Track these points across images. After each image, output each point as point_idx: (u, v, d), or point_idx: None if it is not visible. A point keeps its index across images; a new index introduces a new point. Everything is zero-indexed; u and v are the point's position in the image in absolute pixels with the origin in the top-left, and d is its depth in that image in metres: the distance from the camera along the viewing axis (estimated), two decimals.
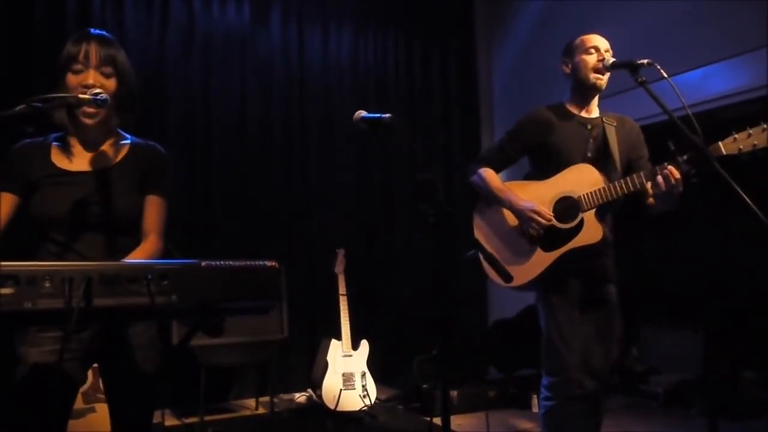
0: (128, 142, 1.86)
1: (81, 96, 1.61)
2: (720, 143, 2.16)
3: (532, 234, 2.45)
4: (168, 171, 1.88)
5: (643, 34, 4.25)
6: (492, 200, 2.59)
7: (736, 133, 2.15)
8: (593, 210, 2.41)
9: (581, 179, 2.45)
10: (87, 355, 1.72)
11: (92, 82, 1.68)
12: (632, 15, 4.41)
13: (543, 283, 2.47)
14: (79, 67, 1.69)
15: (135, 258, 1.71)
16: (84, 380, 1.82)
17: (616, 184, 2.37)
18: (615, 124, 2.56)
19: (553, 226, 2.43)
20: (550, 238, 2.44)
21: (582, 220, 2.41)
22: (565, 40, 2.63)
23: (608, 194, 2.38)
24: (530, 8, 5.48)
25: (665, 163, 2.24)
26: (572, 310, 2.46)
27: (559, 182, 2.48)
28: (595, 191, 2.40)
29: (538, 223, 2.42)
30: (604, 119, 2.56)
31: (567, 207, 2.44)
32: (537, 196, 2.48)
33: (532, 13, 5.47)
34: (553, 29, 5.04)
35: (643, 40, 4.17)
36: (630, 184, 2.34)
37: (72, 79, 1.69)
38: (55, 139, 1.81)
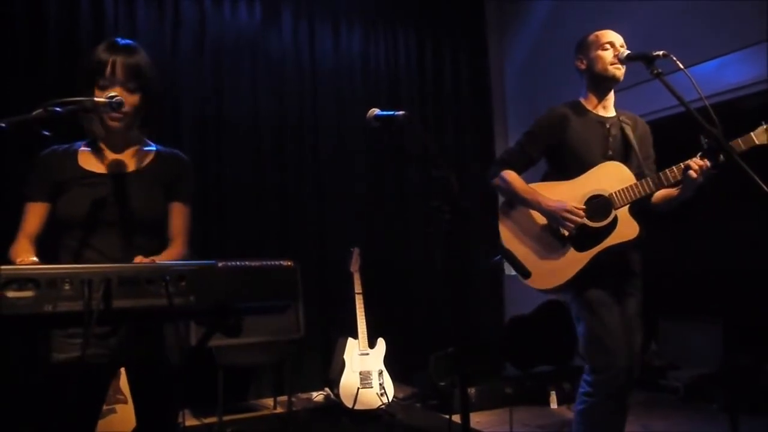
0: (153, 149, 1.91)
1: (97, 99, 1.63)
2: (751, 133, 2.22)
3: (565, 234, 2.41)
4: (192, 179, 1.93)
5: (653, 29, 4.21)
6: (518, 203, 2.54)
7: (766, 123, 2.21)
8: (626, 207, 2.39)
9: (610, 177, 2.42)
10: (114, 360, 1.73)
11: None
12: (642, 10, 4.38)
13: (579, 281, 2.41)
14: (105, 82, 1.72)
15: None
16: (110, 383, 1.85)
17: (650, 180, 2.36)
18: (630, 123, 2.55)
19: (585, 225, 2.38)
20: (582, 237, 2.40)
21: (615, 218, 2.39)
22: (575, 38, 2.61)
23: (642, 191, 2.36)
24: (541, 6, 5.45)
25: (699, 155, 2.25)
26: (611, 305, 2.42)
27: (587, 181, 2.45)
28: (627, 188, 2.38)
29: (573, 221, 2.37)
30: (620, 118, 2.55)
31: (598, 205, 2.40)
32: (566, 197, 2.43)
33: (542, 11, 5.44)
34: (563, 27, 5.01)
35: (654, 34, 4.13)
36: (664, 180, 2.33)
37: (98, 94, 1.72)
38: (84, 145, 1.86)
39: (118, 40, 1.78)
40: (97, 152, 1.84)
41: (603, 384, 2.41)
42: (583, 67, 2.54)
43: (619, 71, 2.46)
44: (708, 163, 2.23)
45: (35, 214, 1.78)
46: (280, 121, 4.95)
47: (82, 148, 1.85)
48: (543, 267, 2.43)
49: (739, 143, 2.23)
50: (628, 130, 2.51)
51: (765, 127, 2.23)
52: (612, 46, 2.47)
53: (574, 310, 2.51)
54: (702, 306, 4.44)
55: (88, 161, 1.82)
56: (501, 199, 2.70)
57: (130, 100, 1.74)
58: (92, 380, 1.68)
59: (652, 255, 2.66)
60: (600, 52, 2.47)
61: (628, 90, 2.93)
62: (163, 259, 1.76)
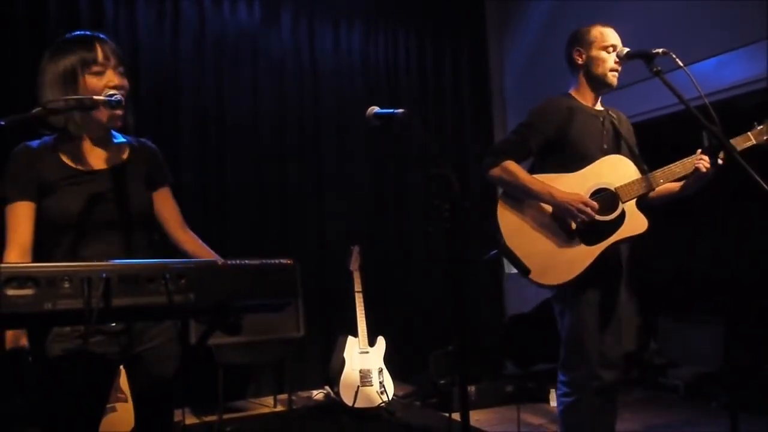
0: (125, 141, 1.83)
1: (96, 98, 1.60)
2: (749, 133, 2.26)
3: (577, 226, 2.35)
4: (166, 164, 1.90)
5: (653, 26, 4.21)
6: (523, 194, 2.43)
7: (759, 125, 2.28)
8: (633, 201, 2.39)
9: (612, 171, 2.42)
10: (122, 356, 1.72)
11: (118, 83, 1.67)
12: (642, 8, 4.38)
13: (584, 277, 2.36)
14: (99, 69, 1.66)
15: (205, 253, 1.79)
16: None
17: (657, 175, 2.38)
18: (616, 117, 2.55)
19: (594, 219, 2.35)
20: (589, 232, 2.36)
21: (623, 212, 2.38)
22: None
23: (649, 185, 2.38)
24: (541, 6, 5.45)
25: (700, 151, 2.30)
26: (595, 306, 2.41)
27: (590, 174, 2.42)
28: (634, 182, 2.38)
29: (588, 215, 2.32)
30: (609, 113, 2.55)
31: (603, 199, 2.38)
32: (570, 189, 2.38)
33: (542, 11, 5.44)
34: (563, 27, 4.97)
35: (653, 32, 4.13)
36: (670, 175, 2.36)
37: (94, 81, 1.65)
38: (55, 141, 1.73)
39: (88, 32, 1.72)
40: (77, 148, 1.72)
41: (578, 382, 2.42)
42: (580, 62, 2.50)
43: (616, 78, 2.46)
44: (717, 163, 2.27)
45: (23, 217, 1.65)
46: (280, 120, 4.95)
47: (57, 144, 1.72)
48: (551, 262, 2.36)
49: (739, 141, 2.26)
50: (617, 125, 2.52)
51: (760, 128, 2.27)
52: (614, 49, 2.44)
53: (561, 307, 2.49)
54: (703, 304, 4.44)
55: (71, 158, 1.71)
56: (500, 191, 2.63)
57: (125, 84, 1.70)
58: (99, 374, 1.66)
59: (653, 253, 2.66)
60: (603, 54, 2.45)
61: (627, 88, 2.95)
62: (204, 252, 1.79)
